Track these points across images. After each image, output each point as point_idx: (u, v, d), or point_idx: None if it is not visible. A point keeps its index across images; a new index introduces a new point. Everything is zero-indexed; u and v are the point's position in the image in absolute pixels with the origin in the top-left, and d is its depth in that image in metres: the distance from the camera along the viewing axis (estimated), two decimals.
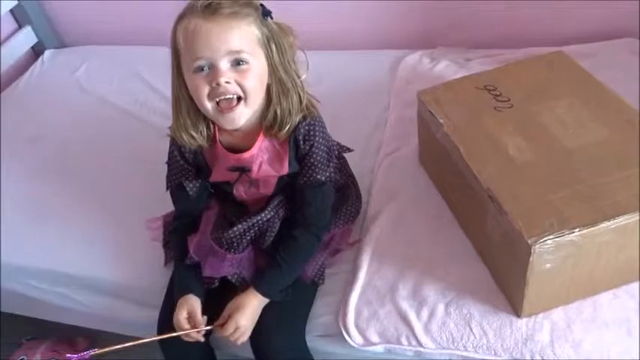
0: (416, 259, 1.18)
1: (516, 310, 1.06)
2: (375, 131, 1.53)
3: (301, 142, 1.09)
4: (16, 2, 2.06)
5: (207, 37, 0.95)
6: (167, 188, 1.20)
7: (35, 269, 1.40)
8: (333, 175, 1.16)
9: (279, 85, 1.03)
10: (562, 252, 0.95)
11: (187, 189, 1.16)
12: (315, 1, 1.84)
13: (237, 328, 1.06)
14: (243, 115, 1.02)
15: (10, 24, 2.12)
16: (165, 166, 1.19)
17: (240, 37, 0.96)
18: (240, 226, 1.13)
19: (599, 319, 1.04)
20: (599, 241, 0.97)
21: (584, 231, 0.94)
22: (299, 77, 1.05)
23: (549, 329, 1.04)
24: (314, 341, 1.17)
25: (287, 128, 1.05)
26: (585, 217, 0.95)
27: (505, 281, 1.08)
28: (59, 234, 1.42)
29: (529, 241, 0.93)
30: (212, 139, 1.10)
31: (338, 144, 1.26)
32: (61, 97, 1.91)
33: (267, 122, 1.06)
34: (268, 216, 1.14)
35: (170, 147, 1.16)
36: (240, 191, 1.17)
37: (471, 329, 1.07)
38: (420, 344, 1.08)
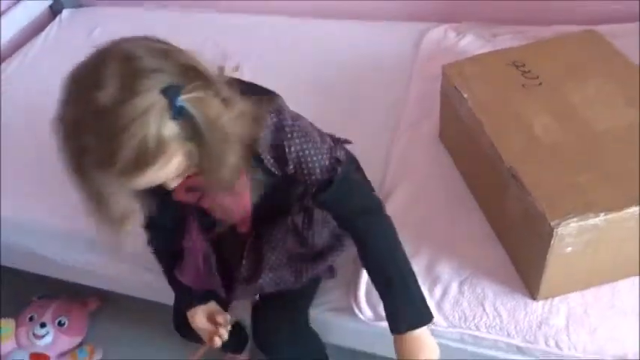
0: (431, 237, 1.16)
1: (532, 293, 1.04)
2: (395, 105, 1.50)
3: (269, 154, 0.89)
4: None
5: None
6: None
7: (43, 227, 1.40)
8: (334, 153, 0.94)
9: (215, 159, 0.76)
10: (585, 236, 0.92)
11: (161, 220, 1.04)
12: None
13: None
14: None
15: None
16: None
17: (177, 170, 0.76)
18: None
19: (617, 307, 1.02)
20: (624, 227, 0.94)
21: (609, 216, 0.91)
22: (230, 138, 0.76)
23: (565, 314, 1.02)
24: (323, 315, 1.17)
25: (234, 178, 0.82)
26: (611, 201, 0.92)
27: (522, 263, 1.06)
28: (67, 193, 1.41)
29: (552, 224, 0.90)
30: None
31: (330, 136, 1.00)
32: (77, 59, 1.88)
33: None
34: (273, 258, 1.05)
35: None
36: (214, 209, 1.02)
37: (484, 309, 1.05)
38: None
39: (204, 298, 1.10)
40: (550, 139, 1.04)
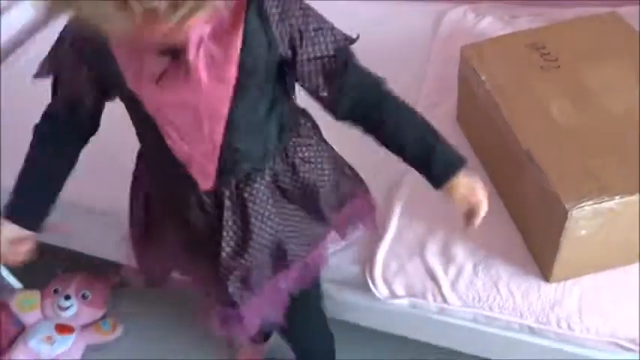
0: (446, 218, 1.17)
1: (545, 275, 1.05)
2: (412, 85, 1.49)
3: (270, 12, 0.75)
4: None
5: None
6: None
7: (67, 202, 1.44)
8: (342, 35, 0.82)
9: None
10: (599, 219, 0.93)
11: (85, 105, 0.85)
12: None
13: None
14: None
15: None
16: None
17: None
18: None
19: (629, 290, 1.03)
20: (638, 211, 0.94)
21: (625, 199, 0.92)
22: None
23: (578, 296, 1.03)
24: (338, 292, 1.19)
25: None
26: (626, 185, 0.93)
27: (537, 245, 1.07)
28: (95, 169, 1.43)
29: (566, 206, 0.91)
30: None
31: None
32: None
33: None
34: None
35: (64, 38, 0.82)
36: (170, 111, 0.79)
37: (498, 290, 1.07)
38: (445, 301, 1.08)
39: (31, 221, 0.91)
40: (567, 122, 1.05)
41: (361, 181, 1.04)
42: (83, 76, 0.82)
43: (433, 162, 0.85)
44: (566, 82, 1.12)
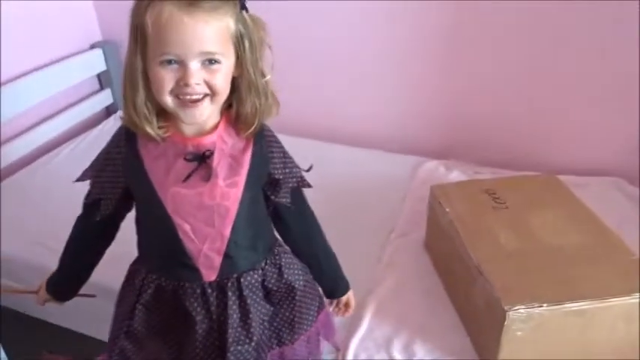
0: (410, 322, 1.38)
1: None
2: (389, 218, 1.78)
3: (264, 146, 1.00)
4: (105, 68, 2.44)
5: (180, 33, 0.84)
6: (87, 200, 1.06)
7: None
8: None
9: (247, 82, 0.93)
10: (532, 322, 1.16)
11: (101, 208, 1.03)
12: (361, 106, 2.23)
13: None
14: (206, 111, 0.92)
15: (94, 85, 2.49)
16: None
17: (216, 36, 0.87)
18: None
19: None
20: (564, 320, 1.17)
21: (551, 307, 1.15)
22: (264, 77, 0.95)
23: None
24: None
25: (253, 128, 0.96)
26: (553, 296, 1.17)
27: (482, 347, 1.27)
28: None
29: (505, 308, 1.14)
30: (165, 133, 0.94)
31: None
32: None
33: (232, 118, 0.97)
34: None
35: (115, 142, 1.00)
36: (187, 210, 0.96)
37: None
38: None
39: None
40: (511, 247, 1.32)
41: (320, 295, 1.20)
42: (118, 183, 1.00)
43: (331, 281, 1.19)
44: (512, 220, 1.41)
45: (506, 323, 1.15)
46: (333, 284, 1.19)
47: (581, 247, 1.32)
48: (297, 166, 1.07)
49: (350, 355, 1.30)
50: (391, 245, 1.65)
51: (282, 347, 1.13)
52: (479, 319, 1.28)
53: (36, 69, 2.14)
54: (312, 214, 1.14)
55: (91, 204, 1.05)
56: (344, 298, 1.21)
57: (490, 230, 1.37)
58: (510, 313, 1.14)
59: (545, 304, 1.15)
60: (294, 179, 1.06)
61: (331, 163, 1.98)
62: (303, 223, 1.13)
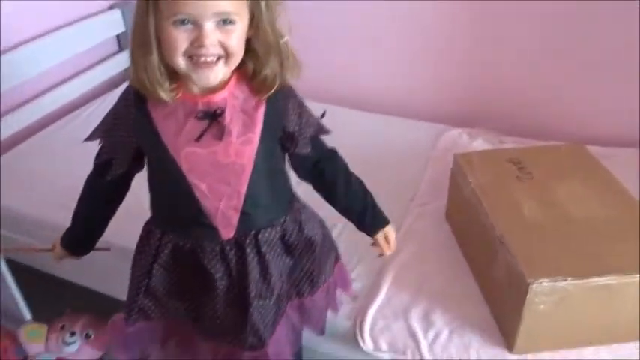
0: (429, 291, 1.37)
1: (509, 346, 1.23)
2: (410, 186, 1.75)
3: (279, 99, 0.97)
4: (124, 30, 2.41)
5: None
6: (98, 161, 1.05)
7: None
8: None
9: (264, 43, 0.91)
10: (555, 296, 1.13)
11: (113, 168, 1.01)
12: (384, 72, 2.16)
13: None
14: (220, 74, 0.90)
15: (113, 46, 2.47)
16: None
17: None
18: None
19: None
20: (588, 295, 1.15)
21: (576, 281, 1.13)
22: (282, 37, 0.93)
23: None
24: (325, 342, 1.34)
25: (273, 90, 0.94)
26: (578, 270, 1.14)
27: (503, 318, 1.26)
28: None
29: (528, 280, 1.12)
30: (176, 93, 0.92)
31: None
32: None
33: (247, 76, 0.95)
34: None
35: (123, 102, 0.98)
36: (202, 169, 0.95)
37: (468, 354, 1.23)
38: (422, 359, 1.24)
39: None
40: (534, 219, 1.28)
41: (336, 247, 1.22)
42: (129, 143, 0.98)
43: (367, 217, 1.14)
44: (536, 191, 1.37)
45: (528, 296, 1.13)
46: (374, 220, 1.15)
47: (607, 220, 1.28)
48: (313, 115, 1.04)
49: (368, 322, 1.30)
50: (411, 214, 1.62)
51: (302, 299, 1.15)
52: (500, 290, 1.26)
53: (54, 30, 2.12)
54: (336, 156, 1.12)
55: (102, 164, 1.03)
56: (388, 232, 1.16)
57: (514, 201, 1.34)
58: (534, 286, 1.12)
59: (569, 278, 1.12)
60: (311, 128, 1.03)
61: (352, 130, 1.95)
62: (331, 167, 1.10)
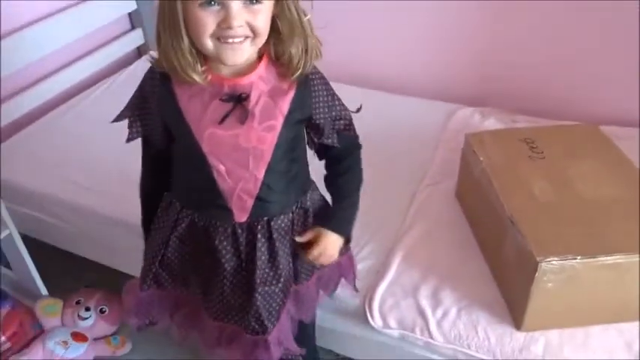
0: (438, 270, 1.37)
1: (517, 324, 1.24)
2: (421, 166, 1.75)
3: (309, 89, 0.98)
4: (136, 7, 2.41)
5: None
6: (129, 139, 1.05)
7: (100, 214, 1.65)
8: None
9: (289, 22, 0.91)
10: (564, 274, 1.14)
11: (154, 142, 1.05)
12: (396, 51, 2.14)
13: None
14: (247, 53, 0.90)
15: (125, 24, 2.47)
16: None
17: None
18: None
19: (588, 347, 1.21)
20: (597, 274, 1.15)
21: (585, 260, 1.13)
22: (305, 15, 0.92)
23: (543, 344, 1.21)
24: (335, 319, 1.37)
25: (300, 71, 0.94)
26: (587, 249, 1.14)
27: (511, 297, 1.26)
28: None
29: (537, 259, 1.12)
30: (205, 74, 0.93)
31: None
32: None
33: (273, 57, 0.95)
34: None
35: (150, 81, 0.99)
36: (223, 151, 0.96)
37: (476, 332, 1.24)
38: (431, 336, 1.26)
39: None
40: (545, 199, 1.28)
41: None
42: (157, 121, 1.01)
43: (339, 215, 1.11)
44: (548, 171, 1.37)
45: (537, 275, 1.13)
46: (342, 221, 1.10)
47: (618, 200, 1.27)
48: (346, 109, 1.06)
49: (377, 300, 1.31)
50: (422, 193, 1.63)
51: (298, 285, 1.16)
52: (509, 269, 1.26)
53: (66, 8, 2.12)
54: (358, 153, 1.12)
55: (144, 140, 1.07)
56: (335, 243, 1.09)
57: (525, 180, 1.33)
58: (542, 264, 1.12)
59: (578, 257, 1.13)
60: (341, 121, 1.05)
61: (364, 108, 1.94)
62: (348, 161, 1.10)
